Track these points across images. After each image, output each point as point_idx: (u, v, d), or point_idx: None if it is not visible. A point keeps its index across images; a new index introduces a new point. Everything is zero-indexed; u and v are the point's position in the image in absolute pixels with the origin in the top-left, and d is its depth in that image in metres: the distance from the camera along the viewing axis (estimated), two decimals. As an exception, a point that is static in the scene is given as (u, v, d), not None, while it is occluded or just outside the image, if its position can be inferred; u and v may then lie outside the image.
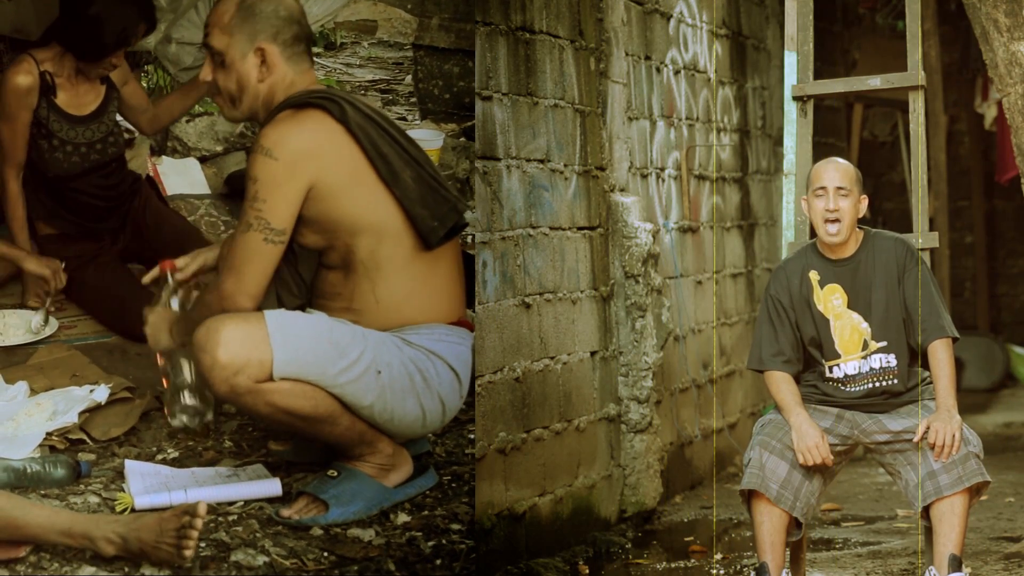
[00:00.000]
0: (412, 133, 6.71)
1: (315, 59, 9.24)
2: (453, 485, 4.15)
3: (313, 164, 3.80)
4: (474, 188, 4.88)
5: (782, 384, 4.25)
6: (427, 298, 3.96)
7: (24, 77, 4.96)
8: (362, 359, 3.80)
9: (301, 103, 3.89)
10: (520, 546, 4.82)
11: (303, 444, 4.19)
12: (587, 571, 5.01)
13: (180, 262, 4.21)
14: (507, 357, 4.81)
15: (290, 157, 3.78)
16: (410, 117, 8.01)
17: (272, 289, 3.90)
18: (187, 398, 4.24)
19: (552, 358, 5.11)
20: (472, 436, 4.45)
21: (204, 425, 4.26)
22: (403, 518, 3.93)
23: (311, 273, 4.01)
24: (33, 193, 5.11)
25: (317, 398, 3.78)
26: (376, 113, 3.96)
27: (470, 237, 6.33)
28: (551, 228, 5.14)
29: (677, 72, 6.38)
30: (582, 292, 5.36)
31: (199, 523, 3.49)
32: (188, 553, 3.50)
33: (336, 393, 3.80)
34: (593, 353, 5.43)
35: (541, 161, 5.09)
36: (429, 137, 6.56)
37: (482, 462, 4.58)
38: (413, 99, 8.23)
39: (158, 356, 4.22)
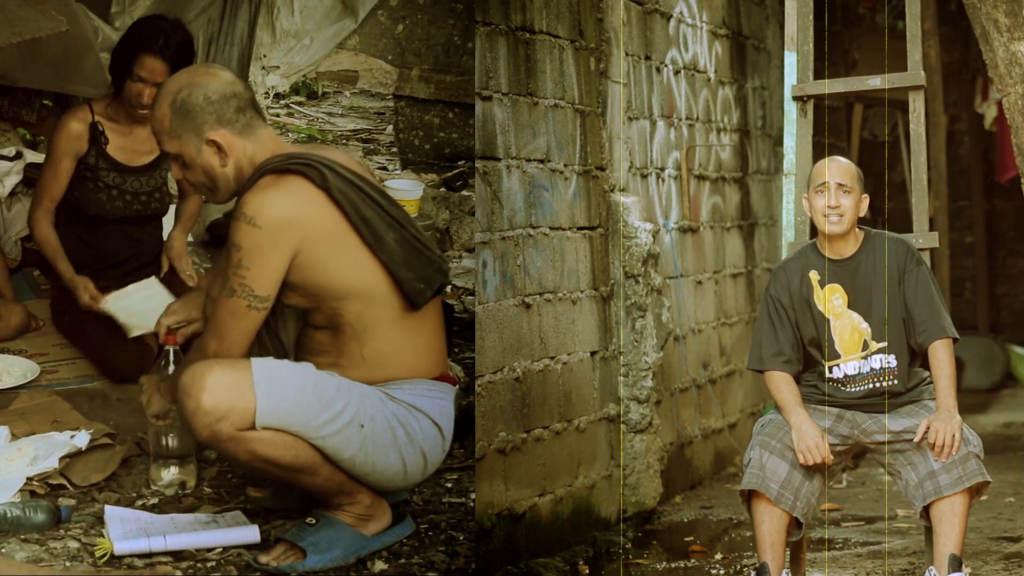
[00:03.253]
0: (392, 183, 6.77)
1: (298, 108, 9.35)
2: (430, 533, 4.15)
3: (296, 232, 3.78)
4: (474, 187, 4.88)
5: (782, 384, 4.25)
6: (412, 354, 3.95)
7: (75, 124, 5.03)
8: (346, 412, 3.80)
9: (281, 169, 3.86)
10: (520, 546, 4.82)
11: (282, 491, 4.20)
12: (587, 571, 5.01)
13: (165, 319, 4.26)
14: (507, 357, 4.81)
15: (273, 225, 3.76)
16: (391, 167, 8.07)
17: (253, 351, 3.90)
18: (173, 469, 4.30)
19: (552, 358, 5.11)
20: (449, 485, 4.46)
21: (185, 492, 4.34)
22: (380, 566, 3.93)
23: (293, 334, 4.01)
24: (63, 227, 5.13)
25: (298, 448, 3.78)
26: (355, 175, 3.92)
27: (449, 286, 6.36)
28: (551, 228, 5.14)
29: (677, 72, 6.38)
30: (582, 292, 5.36)
31: None
32: None
33: (317, 444, 3.79)
34: (593, 353, 5.43)
35: (541, 161, 5.09)
36: (409, 187, 6.60)
37: (482, 462, 4.58)
38: (394, 149, 8.30)
39: (150, 424, 4.27)
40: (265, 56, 7.59)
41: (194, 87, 3.88)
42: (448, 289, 6.31)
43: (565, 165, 5.26)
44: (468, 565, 4.00)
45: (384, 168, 8.07)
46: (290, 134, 8.66)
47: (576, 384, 5.28)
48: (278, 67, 7.75)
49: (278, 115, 9.01)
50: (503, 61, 4.85)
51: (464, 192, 7.29)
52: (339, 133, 8.87)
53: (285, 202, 3.80)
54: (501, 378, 4.75)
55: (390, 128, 8.58)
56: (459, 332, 5.53)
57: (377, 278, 3.87)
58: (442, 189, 7.39)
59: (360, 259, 3.86)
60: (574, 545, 5.17)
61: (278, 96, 8.96)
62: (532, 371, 4.96)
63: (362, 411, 3.82)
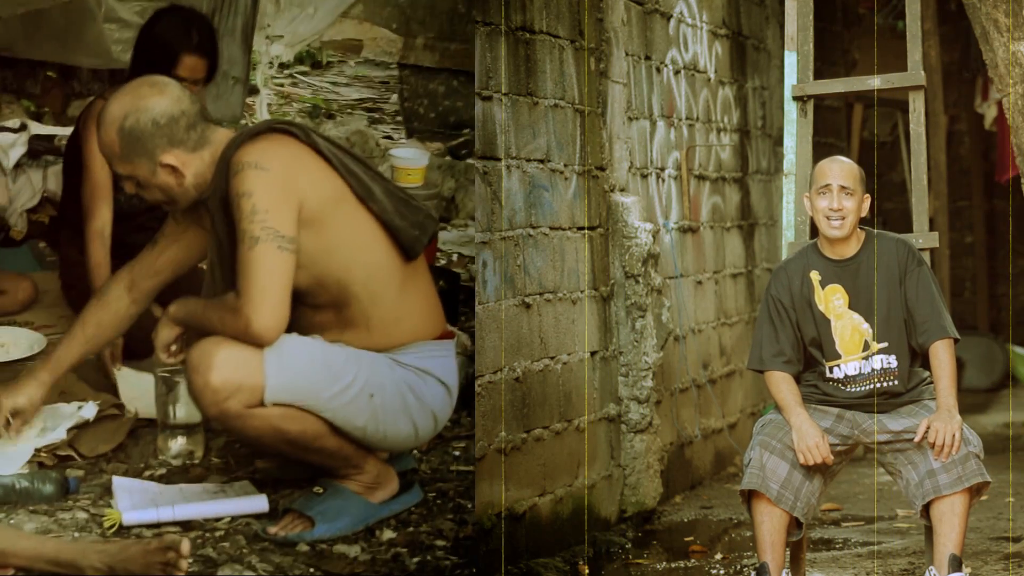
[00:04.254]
0: (397, 151, 6.78)
1: (302, 78, 9.33)
2: (438, 502, 4.17)
3: (301, 178, 3.74)
4: (474, 187, 4.88)
5: (782, 384, 4.25)
6: (414, 319, 3.94)
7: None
8: (355, 383, 3.78)
9: (261, 130, 3.83)
10: (520, 546, 4.82)
11: (290, 461, 4.20)
12: (587, 571, 5.01)
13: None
14: (507, 357, 4.81)
15: (281, 168, 3.72)
16: (396, 136, 8.06)
17: None
18: (180, 440, 4.30)
19: (552, 358, 5.11)
20: (457, 453, 4.46)
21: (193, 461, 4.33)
22: (388, 534, 3.95)
23: None
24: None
25: (306, 423, 3.77)
26: (329, 138, 3.94)
27: (456, 256, 6.35)
28: (551, 228, 5.14)
29: (677, 72, 6.38)
30: (582, 292, 5.36)
31: (184, 564, 3.49)
32: None
33: (327, 417, 3.78)
34: (593, 353, 5.43)
35: (541, 161, 5.09)
36: (415, 156, 6.59)
37: (482, 462, 4.58)
38: (399, 118, 8.29)
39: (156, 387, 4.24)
40: (269, 26, 7.58)
41: (140, 112, 3.80)
42: (455, 257, 6.31)
43: (565, 165, 5.26)
44: (476, 532, 4.01)
45: (389, 137, 8.04)
46: (294, 104, 8.64)
47: (576, 384, 5.28)
48: (282, 36, 7.75)
49: (282, 85, 8.99)
50: (503, 61, 4.85)
51: (470, 160, 7.26)
52: (344, 102, 8.85)
53: (284, 150, 3.78)
54: (501, 378, 4.75)
55: (395, 97, 8.55)
56: (465, 300, 5.52)
57: (375, 236, 3.84)
58: (447, 157, 7.35)
59: (357, 215, 3.83)
60: (574, 545, 5.17)
61: (282, 66, 8.93)
62: (532, 371, 4.96)
63: (372, 380, 3.81)
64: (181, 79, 4.86)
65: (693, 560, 5.17)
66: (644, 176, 5.98)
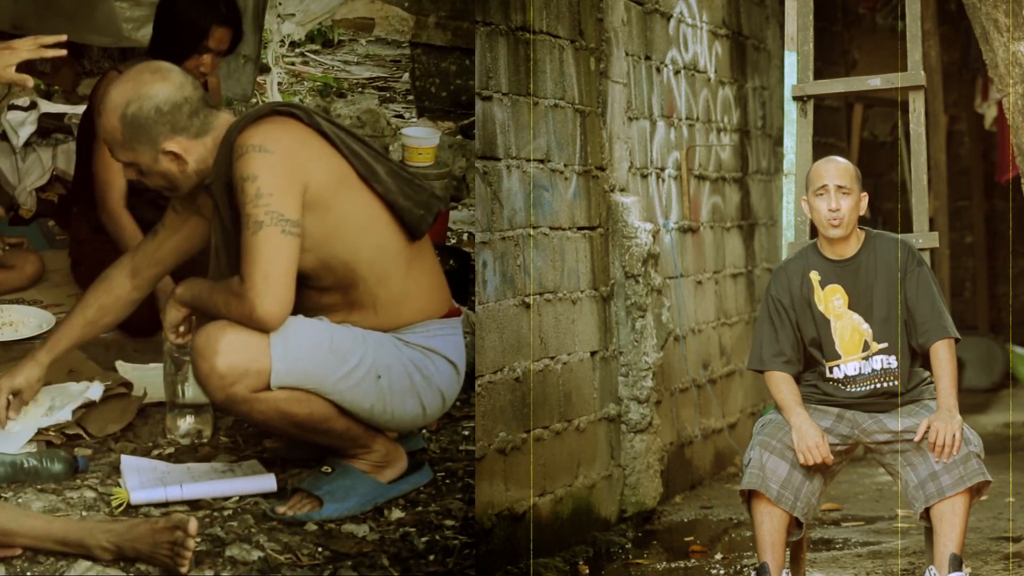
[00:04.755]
0: (408, 131, 6.78)
1: (313, 56, 9.30)
2: (447, 481, 4.17)
3: (306, 160, 3.75)
4: (473, 188, 4.88)
5: (782, 384, 4.25)
6: (420, 298, 3.95)
7: None
8: (362, 364, 3.79)
9: (263, 113, 3.84)
10: (520, 546, 4.82)
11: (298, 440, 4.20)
12: (587, 571, 5.01)
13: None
14: (507, 357, 4.81)
15: (285, 150, 3.73)
16: (407, 115, 8.04)
17: None
18: (189, 419, 4.29)
19: (552, 358, 5.11)
20: (467, 433, 4.47)
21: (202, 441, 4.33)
22: (397, 514, 3.96)
23: None
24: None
25: (313, 406, 3.78)
26: (331, 118, 3.95)
27: (466, 235, 6.35)
28: (551, 228, 5.14)
29: (677, 72, 6.38)
30: (582, 292, 5.36)
31: (191, 543, 3.51)
32: (184, 569, 3.52)
33: (335, 399, 3.79)
34: (593, 353, 5.43)
35: (541, 161, 5.09)
36: (426, 135, 6.58)
37: (482, 462, 4.58)
38: (410, 97, 8.26)
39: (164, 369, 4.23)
40: (281, 4, 7.57)
41: (144, 99, 3.78)
42: (465, 237, 6.31)
43: (565, 165, 5.26)
44: (476, 532, 4.02)
45: (400, 116, 8.02)
46: (305, 82, 8.63)
47: (576, 384, 5.28)
48: (293, 15, 7.74)
49: (293, 63, 8.97)
50: (503, 61, 4.85)
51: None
52: (355, 81, 8.83)
53: (287, 131, 3.79)
54: (501, 378, 4.75)
55: (406, 76, 8.53)
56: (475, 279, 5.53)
57: (380, 216, 3.85)
58: (459, 137, 7.33)
59: (362, 196, 3.84)
60: (574, 545, 5.17)
61: (293, 44, 8.91)
62: (532, 371, 4.96)
63: (378, 361, 3.81)
64: (209, 50, 4.88)
65: (693, 560, 5.17)
66: (644, 176, 5.98)
